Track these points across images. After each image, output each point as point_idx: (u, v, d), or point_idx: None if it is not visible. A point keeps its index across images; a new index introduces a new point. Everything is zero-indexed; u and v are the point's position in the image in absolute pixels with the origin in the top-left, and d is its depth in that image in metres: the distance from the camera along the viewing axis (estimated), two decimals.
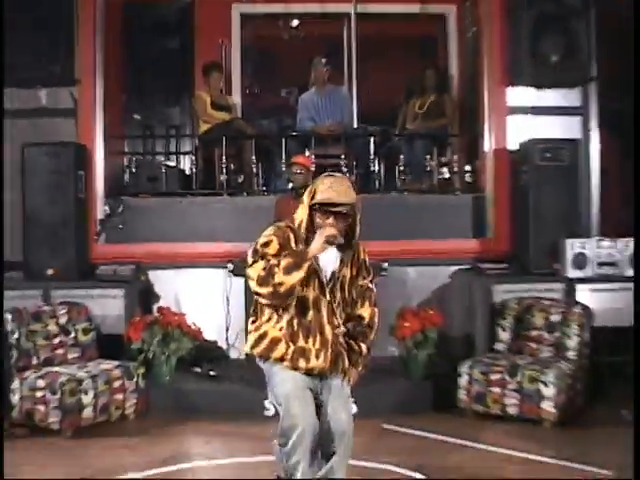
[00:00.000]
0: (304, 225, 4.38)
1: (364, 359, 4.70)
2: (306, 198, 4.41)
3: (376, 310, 4.69)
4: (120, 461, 6.06)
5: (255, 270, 4.28)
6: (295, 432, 4.28)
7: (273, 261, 4.25)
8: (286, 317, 4.41)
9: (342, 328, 4.53)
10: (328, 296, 4.43)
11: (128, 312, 7.91)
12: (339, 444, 4.44)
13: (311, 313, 4.40)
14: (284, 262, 4.21)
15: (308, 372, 4.42)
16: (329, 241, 4.24)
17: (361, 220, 4.42)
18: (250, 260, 4.35)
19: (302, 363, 4.38)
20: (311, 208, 4.36)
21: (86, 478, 5.64)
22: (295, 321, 4.40)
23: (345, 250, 4.44)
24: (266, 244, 4.33)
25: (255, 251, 4.34)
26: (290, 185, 8.62)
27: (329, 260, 4.40)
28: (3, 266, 6.96)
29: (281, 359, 4.41)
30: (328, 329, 4.43)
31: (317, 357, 4.40)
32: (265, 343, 4.45)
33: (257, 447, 6.37)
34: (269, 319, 4.46)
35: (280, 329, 4.42)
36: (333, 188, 4.31)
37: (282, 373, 4.42)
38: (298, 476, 4.32)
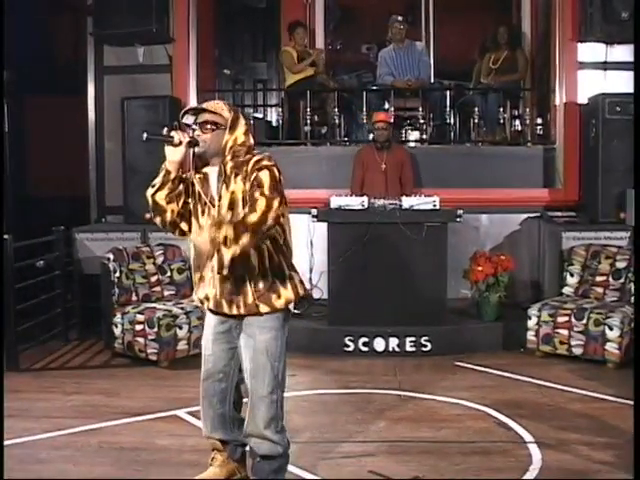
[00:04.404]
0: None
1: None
2: None
3: (256, 214, 3.83)
4: None
5: None
6: (202, 378, 4.29)
7: None
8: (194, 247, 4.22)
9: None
10: (215, 217, 3.96)
11: None
12: (249, 401, 4.15)
13: (203, 238, 4.03)
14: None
15: (214, 305, 4.11)
16: (170, 141, 3.92)
17: (242, 132, 3.99)
18: None
19: (201, 292, 4.16)
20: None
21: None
22: (196, 250, 4.20)
23: (226, 164, 3.97)
24: None
25: None
26: (371, 136, 8.64)
27: (213, 180, 4.04)
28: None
29: (194, 293, 4.29)
30: (213, 255, 4.00)
31: (210, 284, 4.08)
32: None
33: (337, 380, 6.49)
34: None
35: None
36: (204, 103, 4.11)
37: (205, 319, 4.33)
38: (205, 430, 4.37)
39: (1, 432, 4.68)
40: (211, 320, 4.23)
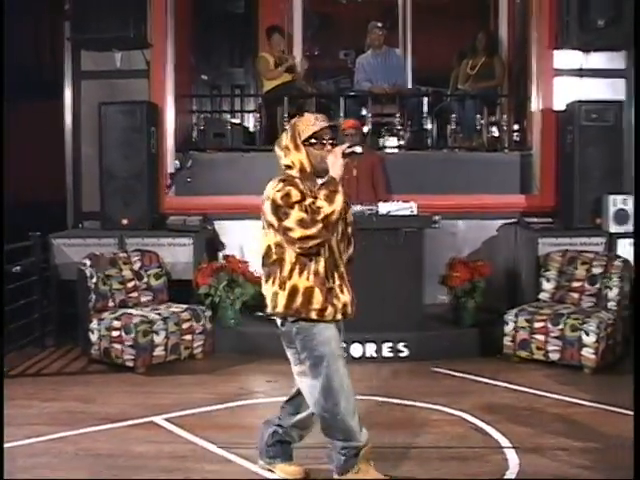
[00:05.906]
0: (305, 165, 4.12)
1: None
2: (296, 140, 4.14)
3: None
4: (189, 396, 6.19)
5: (293, 218, 3.92)
6: (345, 391, 4.12)
7: (306, 203, 3.95)
8: (310, 263, 4.07)
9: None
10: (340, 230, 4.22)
11: (196, 259, 8.01)
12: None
13: (328, 251, 4.11)
14: (322, 194, 3.95)
15: (343, 313, 4.16)
16: (347, 153, 4.06)
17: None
18: (276, 217, 3.98)
19: (337, 302, 4.11)
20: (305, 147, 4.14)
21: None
22: (320, 265, 4.08)
23: None
24: (287, 195, 3.96)
25: (278, 207, 3.96)
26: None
27: None
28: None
29: (322, 309, 4.07)
30: (341, 263, 4.20)
31: (342, 292, 4.15)
32: (300, 297, 4.07)
33: None
34: (292, 273, 4.08)
35: (307, 278, 4.06)
36: (319, 120, 4.17)
37: (324, 332, 4.10)
38: (363, 438, 4.26)
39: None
40: (334, 331, 4.20)
